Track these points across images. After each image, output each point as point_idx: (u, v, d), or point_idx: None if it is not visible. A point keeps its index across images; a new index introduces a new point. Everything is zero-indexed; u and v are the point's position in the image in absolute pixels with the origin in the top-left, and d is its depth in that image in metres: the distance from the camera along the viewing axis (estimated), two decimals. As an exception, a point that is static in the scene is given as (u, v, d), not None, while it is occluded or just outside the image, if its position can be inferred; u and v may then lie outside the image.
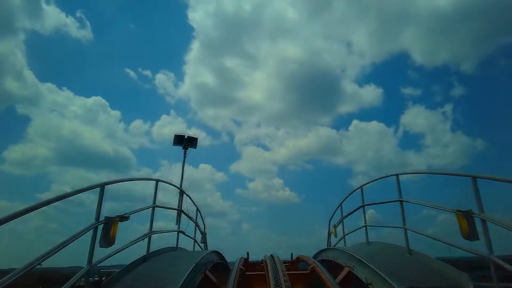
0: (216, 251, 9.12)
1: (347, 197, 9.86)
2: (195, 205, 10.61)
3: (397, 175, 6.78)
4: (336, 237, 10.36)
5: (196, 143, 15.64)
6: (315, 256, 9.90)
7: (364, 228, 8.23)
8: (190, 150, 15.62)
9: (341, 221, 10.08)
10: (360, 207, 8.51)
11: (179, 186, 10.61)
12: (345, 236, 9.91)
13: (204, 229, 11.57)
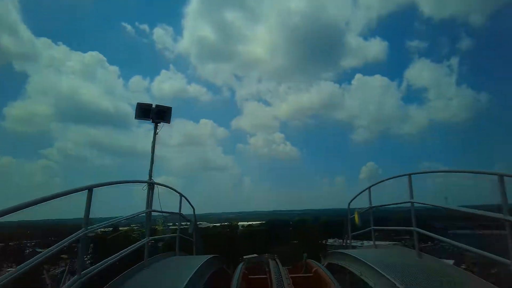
0: (216, 256, 8.83)
1: (378, 183, 9.03)
2: (190, 205, 10.57)
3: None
4: (358, 224, 10.00)
5: (170, 115, 10.67)
6: (323, 258, 10.05)
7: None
8: (163, 125, 10.44)
9: (369, 210, 9.38)
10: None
11: (177, 190, 9.55)
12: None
13: (194, 217, 11.03)
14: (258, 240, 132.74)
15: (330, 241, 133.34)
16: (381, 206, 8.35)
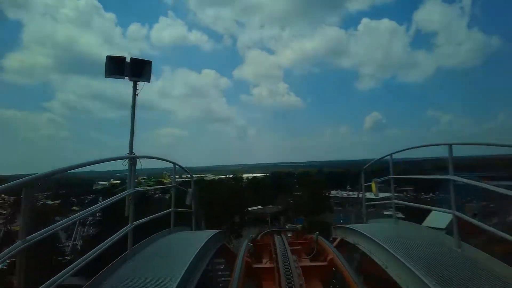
0: (218, 232, 7.88)
1: (400, 151, 8.42)
2: (186, 171, 10.96)
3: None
4: (376, 195, 9.12)
5: (150, 71, 8.31)
6: (334, 230, 9.04)
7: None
8: (144, 85, 8.24)
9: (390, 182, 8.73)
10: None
11: (168, 160, 8.20)
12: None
13: (192, 185, 9.79)
14: (263, 191, 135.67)
15: (333, 192, 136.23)
16: (407, 177, 7.59)
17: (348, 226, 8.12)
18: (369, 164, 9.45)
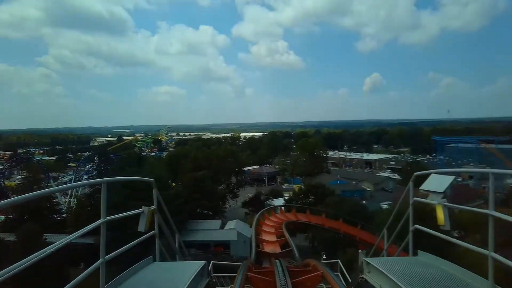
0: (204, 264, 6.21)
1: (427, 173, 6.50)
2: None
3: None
4: (443, 226, 5.15)
5: None
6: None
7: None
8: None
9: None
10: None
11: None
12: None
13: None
14: (260, 151, 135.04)
15: (331, 153, 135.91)
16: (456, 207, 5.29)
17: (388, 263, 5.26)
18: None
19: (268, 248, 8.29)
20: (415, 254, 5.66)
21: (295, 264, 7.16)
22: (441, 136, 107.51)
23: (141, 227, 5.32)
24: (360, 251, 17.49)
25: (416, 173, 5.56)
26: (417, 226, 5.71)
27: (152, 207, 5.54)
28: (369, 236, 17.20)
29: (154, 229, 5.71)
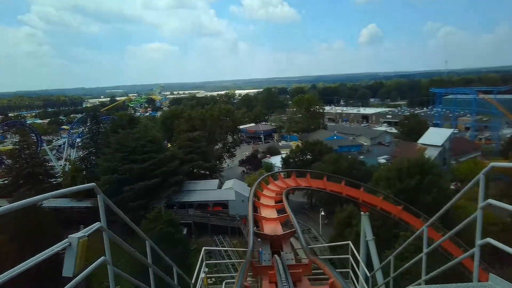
0: None
1: None
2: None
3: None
4: None
5: None
6: None
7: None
8: None
9: None
10: None
11: None
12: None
13: None
14: (255, 108, 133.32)
15: (327, 108, 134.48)
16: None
17: None
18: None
19: (267, 228, 7.18)
20: (482, 278, 4.00)
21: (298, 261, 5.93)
22: (439, 88, 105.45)
23: (67, 271, 3.06)
24: (362, 213, 16.95)
25: (492, 164, 3.68)
26: (490, 240, 3.74)
27: (90, 232, 3.41)
28: (372, 198, 16.42)
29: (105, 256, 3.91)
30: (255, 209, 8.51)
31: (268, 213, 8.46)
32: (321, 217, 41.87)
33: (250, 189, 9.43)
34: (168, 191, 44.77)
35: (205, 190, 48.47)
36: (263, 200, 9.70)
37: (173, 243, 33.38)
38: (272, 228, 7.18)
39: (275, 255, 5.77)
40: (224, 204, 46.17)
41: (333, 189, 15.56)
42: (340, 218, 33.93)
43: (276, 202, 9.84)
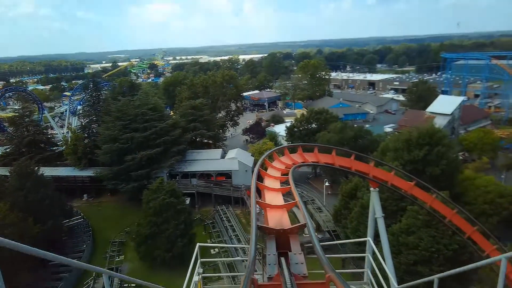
0: None
1: None
2: None
3: None
4: None
5: None
6: None
7: None
8: None
9: None
10: None
11: None
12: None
13: None
14: (260, 74, 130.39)
15: (333, 74, 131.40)
16: None
17: None
18: None
19: (272, 218, 6.14)
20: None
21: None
22: (450, 53, 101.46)
23: None
24: (372, 189, 16.03)
25: None
26: None
27: None
28: (383, 174, 15.45)
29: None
30: (258, 191, 7.53)
31: (273, 197, 7.44)
32: (325, 187, 41.32)
33: (253, 171, 8.32)
34: (170, 160, 44.16)
35: (208, 160, 47.82)
36: (267, 182, 8.65)
37: (176, 213, 33.17)
38: (277, 219, 6.19)
39: (282, 259, 4.83)
40: (227, 174, 45.67)
41: (342, 164, 14.56)
42: (346, 189, 33.26)
43: (281, 183, 8.83)
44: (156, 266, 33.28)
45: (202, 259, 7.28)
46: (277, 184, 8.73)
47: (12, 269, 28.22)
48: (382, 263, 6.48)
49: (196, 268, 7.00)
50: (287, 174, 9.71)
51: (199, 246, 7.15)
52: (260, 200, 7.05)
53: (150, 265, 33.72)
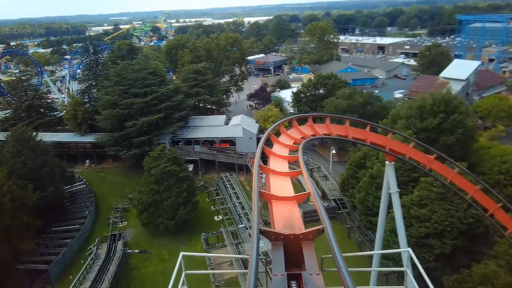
0: None
1: None
2: None
3: None
4: None
5: None
6: None
7: None
8: None
9: None
10: None
11: None
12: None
13: None
14: (265, 38, 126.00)
15: (341, 38, 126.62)
16: None
17: None
18: None
19: (280, 215, 4.69)
20: None
21: None
22: (466, 15, 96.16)
23: None
24: (387, 162, 14.71)
25: None
26: None
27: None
28: (401, 146, 13.98)
29: None
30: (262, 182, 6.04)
31: (280, 185, 5.96)
32: (332, 155, 40.05)
33: (256, 153, 6.71)
34: (172, 126, 42.81)
35: (212, 126, 46.44)
36: (273, 163, 7.09)
37: (178, 181, 32.31)
38: (286, 215, 4.75)
39: (293, 283, 3.51)
40: (231, 141, 44.44)
41: (356, 137, 13.10)
42: (354, 158, 31.93)
43: (290, 163, 7.30)
44: (158, 233, 33.00)
45: (188, 272, 5.38)
46: (284, 166, 7.19)
47: (14, 237, 27.94)
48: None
49: (180, 283, 5.15)
50: (296, 151, 8.29)
51: (183, 255, 5.34)
52: (263, 191, 5.52)
53: (153, 232, 33.44)
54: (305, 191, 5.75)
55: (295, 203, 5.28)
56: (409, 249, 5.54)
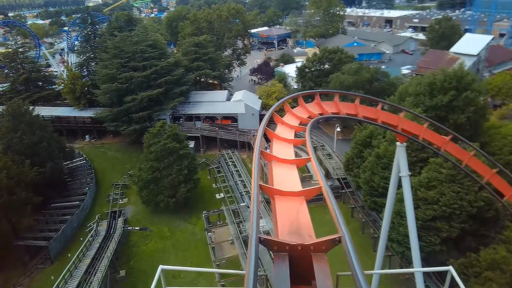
0: None
1: None
2: None
3: None
4: None
5: None
6: None
7: None
8: None
9: None
10: None
11: None
12: None
13: None
14: (269, 9, 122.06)
15: (348, 10, 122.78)
16: None
17: None
18: None
19: (284, 216, 3.76)
20: None
21: None
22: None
23: None
24: (398, 143, 13.78)
25: None
26: None
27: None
28: (414, 127, 12.97)
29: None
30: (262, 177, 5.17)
31: (285, 176, 5.01)
32: (336, 133, 39.03)
33: (255, 143, 5.56)
34: (173, 102, 41.70)
35: (213, 102, 45.25)
36: (276, 148, 6.07)
37: (179, 159, 31.59)
38: (292, 217, 3.82)
39: None
40: (233, 118, 43.39)
41: (367, 116, 12.10)
42: (360, 137, 30.90)
43: (297, 156, 6.28)
44: (159, 210, 32.65)
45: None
46: (290, 152, 6.16)
47: (12, 213, 27.59)
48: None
49: None
50: (302, 133, 7.35)
51: (162, 269, 4.39)
52: (264, 184, 4.53)
53: (153, 210, 33.11)
54: (311, 176, 4.80)
55: (303, 199, 4.34)
56: (451, 267, 4.68)
